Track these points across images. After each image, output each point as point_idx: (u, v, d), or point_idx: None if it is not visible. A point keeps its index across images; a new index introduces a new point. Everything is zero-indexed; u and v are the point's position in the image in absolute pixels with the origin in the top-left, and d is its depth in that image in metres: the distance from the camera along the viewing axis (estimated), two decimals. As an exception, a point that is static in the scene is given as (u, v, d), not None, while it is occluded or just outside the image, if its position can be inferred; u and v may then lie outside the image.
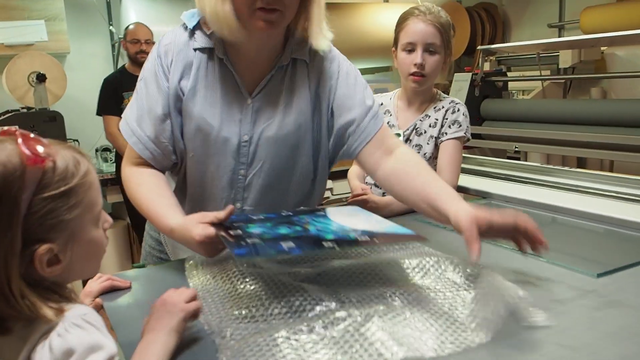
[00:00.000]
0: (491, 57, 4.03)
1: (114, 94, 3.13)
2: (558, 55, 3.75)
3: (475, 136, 3.17)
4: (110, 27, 3.73)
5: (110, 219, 0.78)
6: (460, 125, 1.54)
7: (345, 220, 0.99)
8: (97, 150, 3.56)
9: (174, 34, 1.17)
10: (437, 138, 1.56)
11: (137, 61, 3.08)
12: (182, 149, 1.16)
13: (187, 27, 1.15)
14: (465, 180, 1.81)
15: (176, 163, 1.19)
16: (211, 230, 0.93)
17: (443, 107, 1.58)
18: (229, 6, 1.03)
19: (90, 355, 0.62)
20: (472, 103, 3.22)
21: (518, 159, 3.06)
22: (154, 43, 3.01)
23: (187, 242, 0.99)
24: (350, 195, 1.58)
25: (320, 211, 1.07)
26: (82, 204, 0.69)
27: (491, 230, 0.91)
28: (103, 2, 3.71)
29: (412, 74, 1.52)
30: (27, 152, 0.64)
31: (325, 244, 0.84)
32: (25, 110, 3.08)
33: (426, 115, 1.59)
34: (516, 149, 2.97)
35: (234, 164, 1.16)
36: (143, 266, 1.20)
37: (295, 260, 0.98)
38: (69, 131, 3.12)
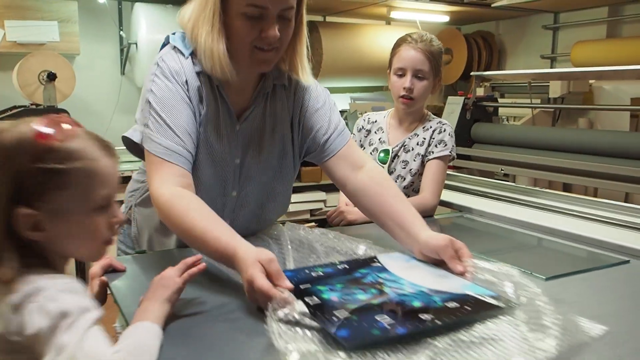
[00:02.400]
0: (486, 83, 4.19)
1: None
2: (549, 85, 3.91)
3: (464, 157, 3.32)
4: (121, 32, 3.86)
5: (121, 216, 0.87)
6: (446, 145, 1.67)
7: (409, 274, 1.02)
8: (99, 150, 3.67)
9: (176, 58, 1.17)
10: (423, 156, 1.69)
11: None
12: None
13: (183, 53, 1.18)
14: (448, 195, 1.94)
15: None
16: (267, 285, 0.87)
17: (431, 127, 1.71)
18: (223, 46, 1.10)
19: (84, 314, 0.72)
20: (463, 126, 3.37)
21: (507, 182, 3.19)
22: None
23: (240, 271, 0.94)
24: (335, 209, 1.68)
25: (374, 262, 1.08)
26: (77, 187, 0.78)
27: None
28: (115, 7, 3.84)
29: (402, 97, 1.66)
30: (40, 129, 0.76)
31: (422, 316, 0.83)
32: (34, 106, 3.19)
33: (415, 134, 1.72)
34: (502, 172, 3.11)
35: (226, 180, 1.24)
36: (144, 252, 1.32)
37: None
38: (75, 129, 3.23)
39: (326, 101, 1.34)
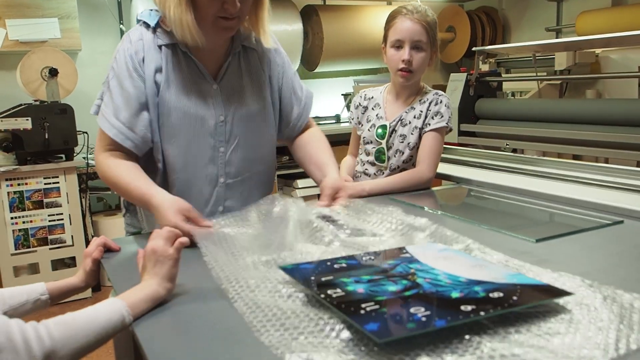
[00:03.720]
0: (491, 60, 4.13)
1: None
2: (554, 58, 3.84)
3: (469, 134, 3.29)
4: (121, 26, 3.87)
5: None
6: (442, 116, 1.65)
7: (443, 264, 0.93)
8: (105, 144, 3.70)
9: (139, 32, 1.30)
10: (420, 129, 1.67)
11: None
12: (157, 139, 1.30)
13: (149, 25, 1.29)
14: (446, 168, 1.93)
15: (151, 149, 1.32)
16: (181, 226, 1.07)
17: (427, 99, 1.69)
18: (190, 15, 1.19)
19: None
20: (467, 102, 3.33)
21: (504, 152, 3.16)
22: None
23: (158, 216, 1.15)
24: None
25: (403, 252, 1.00)
26: None
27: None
28: (114, 1, 3.85)
29: (400, 70, 1.63)
30: None
31: (463, 307, 0.74)
32: (37, 102, 3.22)
33: (412, 108, 1.70)
34: (507, 146, 3.08)
35: (214, 142, 1.33)
36: (139, 232, 1.33)
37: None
38: (79, 124, 3.26)
39: (294, 70, 1.53)
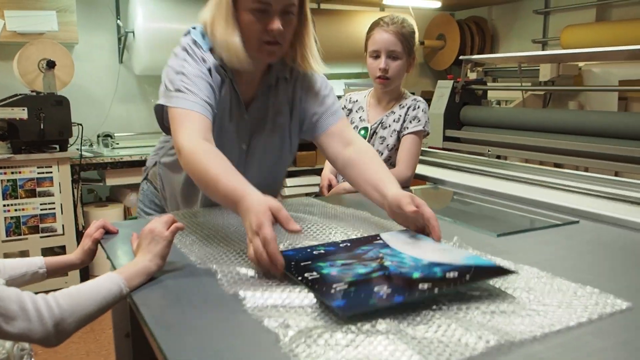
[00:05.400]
0: (479, 68, 4.26)
1: None
2: (539, 69, 3.98)
3: (453, 139, 3.41)
4: (118, 21, 3.95)
5: None
6: (420, 121, 1.76)
7: (411, 249, 1.03)
8: (98, 136, 3.77)
9: (198, 49, 1.28)
10: (399, 132, 1.78)
11: None
12: None
13: (202, 47, 1.29)
14: (424, 170, 2.04)
15: None
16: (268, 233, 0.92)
17: (406, 104, 1.80)
18: (237, 38, 1.23)
19: None
20: (453, 109, 3.45)
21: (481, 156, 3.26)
22: None
23: (244, 215, 0.99)
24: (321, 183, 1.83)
25: (376, 239, 1.10)
26: None
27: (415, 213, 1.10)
28: (112, -3, 3.93)
29: (378, 77, 1.76)
30: None
31: (421, 286, 0.84)
32: (34, 93, 3.29)
33: (392, 112, 1.81)
34: (489, 152, 3.20)
35: (235, 165, 1.31)
36: (135, 218, 1.42)
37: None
38: (74, 115, 3.33)
39: (322, 86, 1.46)
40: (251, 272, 0.96)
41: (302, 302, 0.83)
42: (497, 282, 0.91)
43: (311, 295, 0.85)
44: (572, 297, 0.86)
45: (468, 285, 0.87)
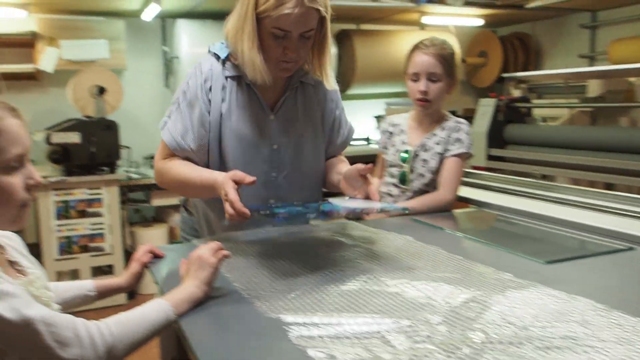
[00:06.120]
0: (523, 85, 4.18)
1: None
2: (587, 85, 3.86)
3: (497, 158, 3.34)
4: (164, 47, 4.09)
5: (37, 177, 0.89)
6: (462, 143, 1.74)
7: (348, 204, 1.29)
8: (145, 158, 3.89)
9: (210, 63, 1.43)
10: (441, 154, 1.76)
11: None
12: (216, 161, 1.44)
13: (219, 57, 1.43)
14: (467, 192, 2.00)
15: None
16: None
17: (448, 126, 1.78)
18: (261, 57, 1.33)
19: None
20: (496, 127, 3.39)
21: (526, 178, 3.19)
22: None
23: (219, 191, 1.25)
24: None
25: (326, 201, 1.35)
26: None
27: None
28: (159, 24, 4.07)
29: (418, 100, 1.74)
30: None
31: (340, 213, 1.24)
32: (86, 118, 3.42)
33: (433, 134, 1.79)
34: (536, 172, 3.12)
35: (267, 168, 1.44)
36: (180, 242, 1.45)
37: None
38: (123, 139, 3.45)
39: (343, 107, 1.63)
40: (295, 299, 0.96)
41: (348, 332, 0.83)
42: (550, 315, 0.88)
43: (356, 324, 0.85)
44: (632, 333, 0.82)
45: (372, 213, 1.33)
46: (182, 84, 1.46)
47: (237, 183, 1.21)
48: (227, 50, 1.42)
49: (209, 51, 1.47)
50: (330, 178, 1.55)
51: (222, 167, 1.43)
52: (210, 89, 1.41)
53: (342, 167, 1.50)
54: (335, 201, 1.35)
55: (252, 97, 1.43)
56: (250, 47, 1.31)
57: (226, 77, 1.42)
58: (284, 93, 1.46)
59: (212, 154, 1.43)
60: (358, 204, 1.28)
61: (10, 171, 0.85)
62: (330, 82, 1.46)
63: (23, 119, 0.88)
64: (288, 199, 1.45)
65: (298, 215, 1.23)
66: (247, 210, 1.16)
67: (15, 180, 0.86)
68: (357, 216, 1.74)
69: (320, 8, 1.30)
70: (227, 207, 1.18)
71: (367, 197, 1.28)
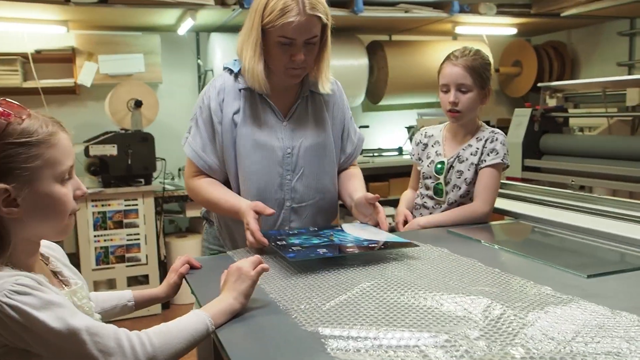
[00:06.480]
0: (558, 94, 4.10)
1: None
2: (625, 93, 3.77)
3: (533, 169, 3.28)
4: (198, 61, 4.17)
5: (83, 188, 0.93)
6: (498, 153, 1.71)
7: (358, 232, 1.42)
8: (179, 169, 3.96)
9: (223, 79, 1.54)
10: (477, 165, 1.74)
11: None
12: (233, 167, 1.53)
13: (232, 71, 1.54)
14: (503, 203, 1.97)
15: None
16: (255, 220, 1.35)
17: (484, 137, 1.76)
18: (261, 66, 1.44)
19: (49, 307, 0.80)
20: (531, 137, 3.33)
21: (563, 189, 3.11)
22: None
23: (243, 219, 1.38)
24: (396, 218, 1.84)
25: (338, 227, 1.49)
26: (43, 157, 0.85)
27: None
28: (193, 38, 4.15)
29: (449, 111, 1.74)
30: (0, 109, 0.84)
31: (348, 250, 1.28)
32: (123, 131, 3.51)
33: (469, 145, 1.77)
34: (573, 183, 3.04)
35: (282, 171, 1.53)
36: (217, 252, 1.48)
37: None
38: (158, 151, 3.52)
39: (351, 114, 1.72)
40: (331, 311, 0.96)
41: (385, 346, 0.82)
42: (593, 330, 0.85)
43: (394, 338, 0.84)
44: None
45: (382, 251, 1.29)
46: (198, 100, 1.56)
47: (258, 213, 1.35)
48: (239, 65, 1.52)
49: (224, 68, 1.57)
50: (343, 198, 1.65)
51: (242, 174, 1.52)
52: (223, 100, 1.51)
53: (354, 187, 1.61)
54: (346, 227, 1.48)
55: (266, 106, 1.53)
56: (252, 55, 1.42)
57: (240, 90, 1.52)
58: (296, 101, 1.56)
59: (228, 164, 1.53)
60: (367, 233, 1.40)
61: (64, 183, 0.90)
62: (325, 87, 1.55)
63: (68, 131, 0.93)
64: (303, 200, 1.57)
65: (309, 249, 1.27)
66: (265, 240, 1.31)
67: (67, 191, 0.90)
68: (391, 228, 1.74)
69: (322, 15, 1.41)
70: (248, 236, 1.33)
71: (377, 225, 1.44)
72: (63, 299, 0.85)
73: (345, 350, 0.81)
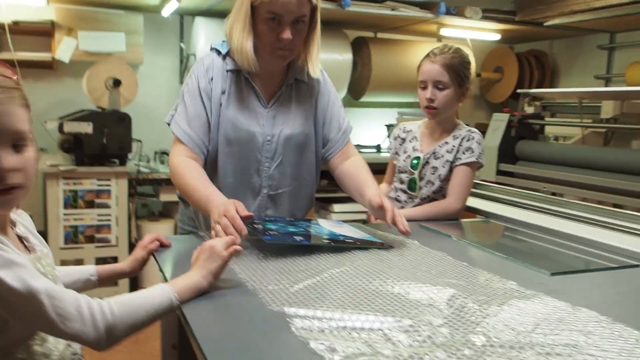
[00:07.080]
0: (537, 102, 4.16)
1: None
2: (600, 105, 3.85)
3: (507, 174, 3.33)
4: (181, 44, 4.12)
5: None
6: (473, 152, 1.73)
7: (333, 227, 1.45)
8: (155, 153, 3.91)
9: (211, 58, 1.53)
10: (452, 162, 1.76)
11: None
12: (214, 147, 1.50)
13: (219, 52, 1.52)
14: (476, 202, 1.99)
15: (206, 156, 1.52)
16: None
17: (460, 135, 1.78)
18: (250, 43, 1.42)
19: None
20: (508, 143, 3.38)
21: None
22: None
23: (212, 212, 1.27)
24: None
25: (314, 220, 1.51)
26: None
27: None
28: (177, 20, 4.10)
29: (426, 107, 1.75)
30: None
31: (324, 240, 1.29)
32: (99, 110, 3.45)
33: (445, 142, 1.79)
34: (545, 189, 3.10)
35: (260, 157, 1.52)
36: (190, 232, 1.46)
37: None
38: (135, 132, 3.47)
39: (340, 103, 1.69)
40: (299, 293, 0.96)
41: (349, 327, 0.83)
42: (553, 323, 0.87)
43: (359, 321, 0.85)
44: (634, 345, 0.81)
45: (354, 246, 1.29)
46: (186, 79, 1.55)
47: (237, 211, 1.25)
48: (227, 47, 1.52)
49: (211, 48, 1.56)
50: (352, 194, 1.57)
51: (221, 155, 1.50)
52: (212, 79, 1.50)
53: (361, 180, 1.53)
54: (323, 223, 1.49)
55: (250, 90, 1.52)
56: (241, 33, 1.41)
57: (227, 71, 1.51)
58: (280, 88, 1.55)
59: (212, 143, 1.50)
60: (342, 231, 1.41)
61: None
62: (316, 71, 1.53)
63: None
64: (279, 187, 1.56)
65: (286, 235, 1.28)
66: (245, 230, 1.17)
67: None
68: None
69: None
70: (225, 222, 1.18)
71: (394, 223, 1.33)
72: (25, 261, 0.83)
73: (310, 330, 0.81)
